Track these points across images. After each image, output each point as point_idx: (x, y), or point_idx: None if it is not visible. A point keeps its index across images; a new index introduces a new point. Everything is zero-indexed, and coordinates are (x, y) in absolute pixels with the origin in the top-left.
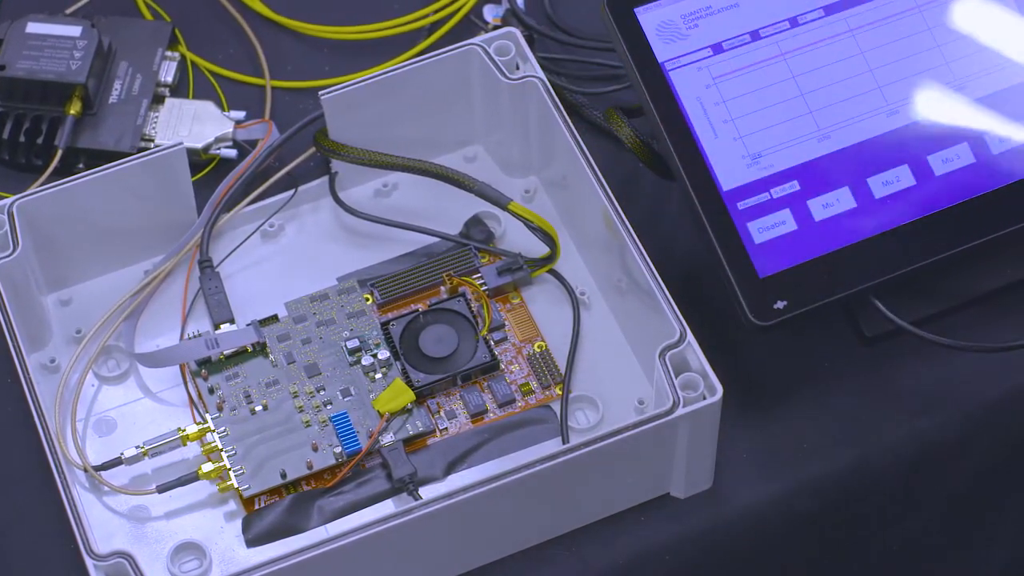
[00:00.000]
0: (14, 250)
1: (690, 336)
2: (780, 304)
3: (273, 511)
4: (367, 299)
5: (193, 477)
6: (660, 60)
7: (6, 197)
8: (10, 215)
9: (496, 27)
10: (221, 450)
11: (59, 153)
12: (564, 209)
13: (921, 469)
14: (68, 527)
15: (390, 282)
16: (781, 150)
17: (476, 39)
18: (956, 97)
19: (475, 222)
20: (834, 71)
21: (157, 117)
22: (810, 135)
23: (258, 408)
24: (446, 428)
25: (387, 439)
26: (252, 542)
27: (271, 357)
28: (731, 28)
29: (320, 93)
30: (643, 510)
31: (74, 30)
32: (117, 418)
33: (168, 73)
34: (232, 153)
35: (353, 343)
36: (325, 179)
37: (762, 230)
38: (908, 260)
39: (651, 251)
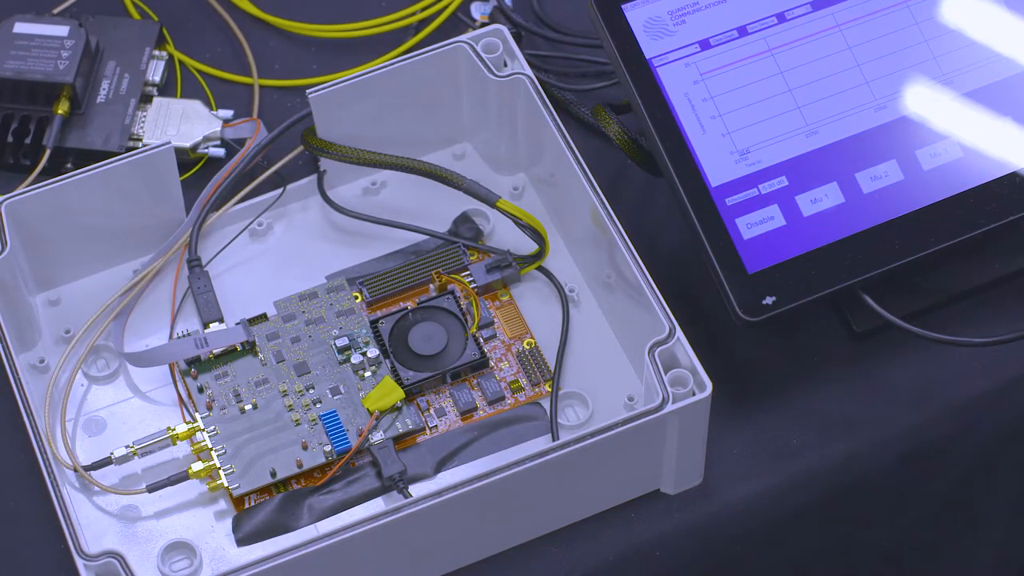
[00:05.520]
0: (2, 250)
1: (679, 332)
2: (769, 300)
3: (263, 510)
4: (356, 297)
5: (183, 476)
6: (647, 56)
7: None
8: None
9: (483, 24)
10: (211, 449)
11: (47, 153)
12: (552, 206)
13: (911, 463)
14: (58, 527)
15: (379, 280)
16: (769, 146)
17: (463, 36)
18: (944, 92)
19: (464, 220)
20: (822, 66)
21: (145, 116)
22: (798, 131)
23: (247, 407)
24: (436, 426)
25: (377, 437)
26: (242, 541)
27: (260, 356)
28: (718, 24)
29: (308, 91)
30: (633, 506)
31: (61, 30)
32: (107, 418)
33: (156, 72)
34: (220, 152)
35: (342, 341)
36: (313, 177)
37: (750, 226)
38: (897, 255)
39: (640, 247)
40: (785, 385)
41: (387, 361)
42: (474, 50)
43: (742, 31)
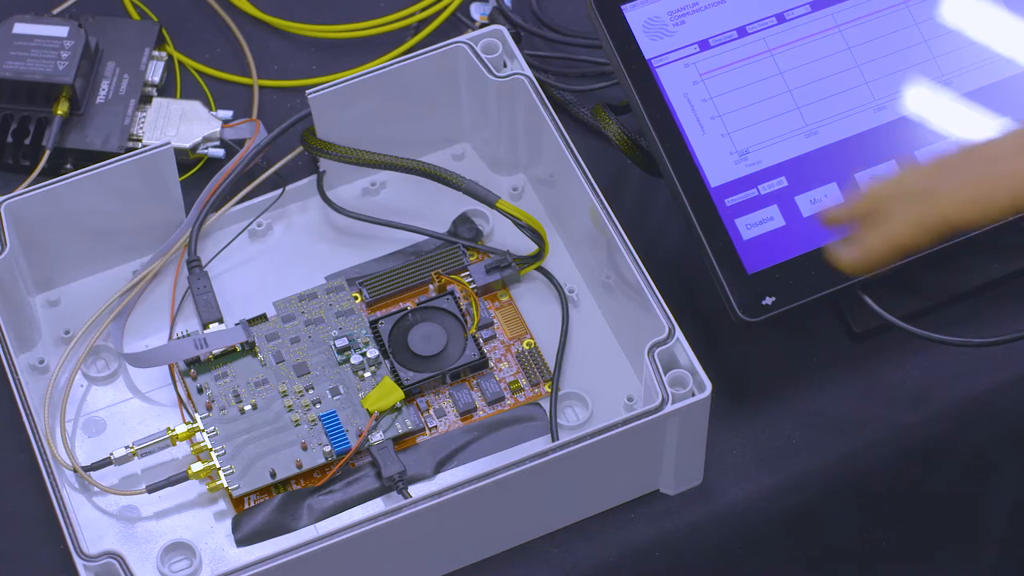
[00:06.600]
0: (2, 250)
1: (679, 332)
2: (768, 300)
3: (263, 510)
4: (355, 298)
5: (183, 477)
6: (647, 57)
7: None
8: None
9: (483, 25)
10: (210, 449)
11: (47, 153)
12: (552, 206)
13: (911, 463)
14: (58, 528)
15: (378, 280)
16: (768, 146)
17: (463, 37)
18: (943, 92)
19: (463, 220)
20: (821, 67)
21: (144, 117)
22: (797, 131)
23: (247, 407)
24: (435, 426)
25: (376, 437)
26: (242, 541)
27: (260, 356)
28: (718, 24)
29: (307, 92)
30: (633, 507)
31: (61, 30)
32: (106, 418)
33: (155, 73)
34: (220, 152)
35: (342, 342)
36: (313, 178)
37: (750, 226)
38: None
39: (639, 248)
40: (785, 385)
41: (387, 361)
42: (473, 51)
43: (741, 32)
